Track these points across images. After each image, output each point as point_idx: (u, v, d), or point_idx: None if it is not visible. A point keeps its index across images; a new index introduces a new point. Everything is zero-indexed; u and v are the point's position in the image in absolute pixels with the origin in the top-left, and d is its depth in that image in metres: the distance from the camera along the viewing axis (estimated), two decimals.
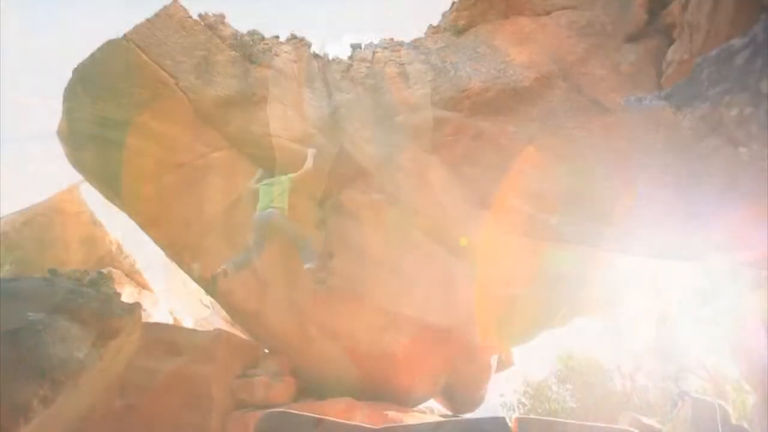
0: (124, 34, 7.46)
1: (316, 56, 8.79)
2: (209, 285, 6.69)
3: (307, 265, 6.86)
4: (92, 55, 7.32)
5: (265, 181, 7.35)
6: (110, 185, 7.59)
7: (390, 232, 7.69)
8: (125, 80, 7.27)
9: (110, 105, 7.28)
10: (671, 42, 7.62)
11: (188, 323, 11.88)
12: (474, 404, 9.68)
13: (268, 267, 7.39)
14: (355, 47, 9.24)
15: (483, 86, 8.37)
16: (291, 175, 7.26)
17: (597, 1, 8.55)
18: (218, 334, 7.36)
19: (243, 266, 6.81)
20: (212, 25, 8.25)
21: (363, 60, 8.94)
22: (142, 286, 11.29)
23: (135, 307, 5.76)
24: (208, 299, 12.33)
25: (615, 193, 7.34)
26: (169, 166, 7.46)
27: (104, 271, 7.86)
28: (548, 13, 8.80)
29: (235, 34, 8.36)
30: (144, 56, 7.39)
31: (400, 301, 7.35)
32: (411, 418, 6.89)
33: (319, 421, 3.63)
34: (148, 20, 7.74)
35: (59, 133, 7.73)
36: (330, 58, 8.87)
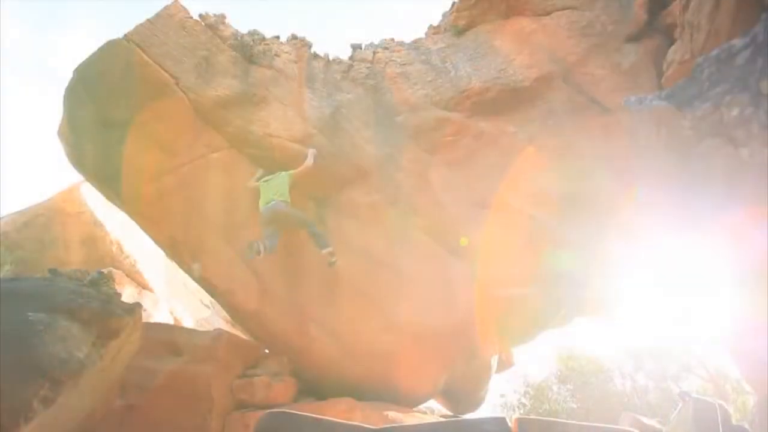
0: (125, 35, 7.47)
1: (316, 56, 8.80)
2: (247, 250, 6.75)
3: (325, 250, 7.02)
4: (93, 56, 7.32)
5: (265, 178, 7.41)
6: (111, 185, 7.60)
7: (390, 232, 7.70)
8: (126, 80, 7.27)
9: (110, 105, 7.29)
10: (671, 42, 7.62)
11: (188, 323, 11.89)
12: (474, 404, 9.67)
13: (269, 266, 7.39)
14: (355, 47, 9.24)
15: (483, 86, 8.37)
16: (291, 171, 7.31)
17: (597, 1, 8.55)
18: (218, 334, 7.37)
19: (272, 251, 6.92)
20: (213, 25, 8.25)
21: (363, 60, 8.95)
22: (143, 286, 11.30)
23: (135, 307, 5.77)
24: (208, 299, 12.33)
25: (615, 193, 7.34)
26: (169, 166, 7.46)
27: (105, 271, 7.88)
28: (548, 13, 8.80)
29: (236, 34, 8.36)
30: (144, 56, 7.39)
31: (400, 301, 7.35)
32: (411, 419, 6.88)
33: (319, 421, 3.63)
34: (148, 20, 7.75)
35: (60, 133, 7.74)
36: (330, 58, 8.87)
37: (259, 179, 7.55)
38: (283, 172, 7.34)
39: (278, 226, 7.11)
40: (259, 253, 6.65)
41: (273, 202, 7.04)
